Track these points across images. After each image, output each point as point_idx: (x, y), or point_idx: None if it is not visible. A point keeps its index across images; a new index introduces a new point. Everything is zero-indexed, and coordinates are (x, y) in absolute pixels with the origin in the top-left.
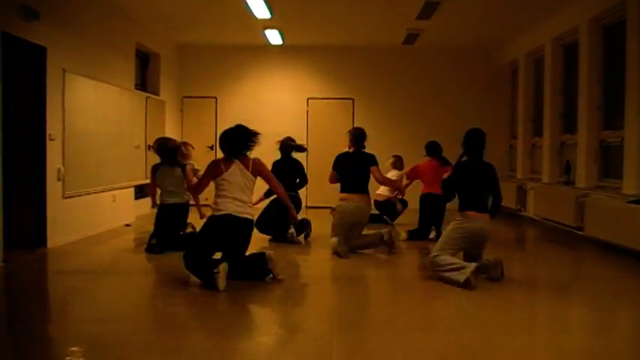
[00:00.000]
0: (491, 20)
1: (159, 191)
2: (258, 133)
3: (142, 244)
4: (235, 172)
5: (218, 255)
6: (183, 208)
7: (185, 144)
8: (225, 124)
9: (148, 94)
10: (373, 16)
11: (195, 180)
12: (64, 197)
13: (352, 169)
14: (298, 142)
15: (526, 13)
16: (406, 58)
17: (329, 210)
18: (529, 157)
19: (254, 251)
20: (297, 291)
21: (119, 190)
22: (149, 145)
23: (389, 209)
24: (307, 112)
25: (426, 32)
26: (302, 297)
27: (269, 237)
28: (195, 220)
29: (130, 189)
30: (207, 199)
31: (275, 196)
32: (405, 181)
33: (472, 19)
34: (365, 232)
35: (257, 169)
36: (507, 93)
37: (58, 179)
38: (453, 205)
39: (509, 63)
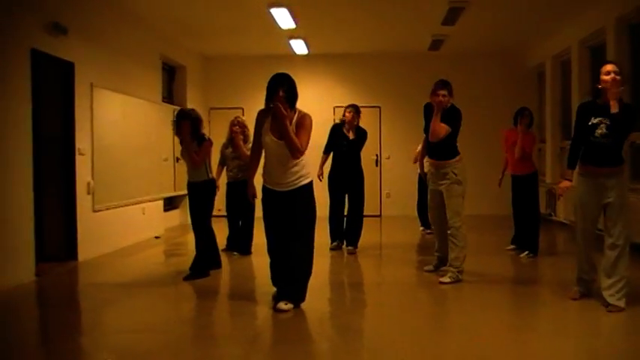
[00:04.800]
0: (515, 24)
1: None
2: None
3: (171, 256)
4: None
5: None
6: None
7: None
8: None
9: (175, 107)
10: (398, 23)
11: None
12: (94, 211)
13: None
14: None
15: (551, 16)
16: (432, 64)
17: None
18: (558, 161)
19: None
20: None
21: (148, 203)
22: (177, 158)
23: None
24: (334, 120)
25: (451, 38)
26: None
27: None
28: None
29: (159, 201)
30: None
31: None
32: None
33: (497, 23)
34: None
35: None
36: (534, 96)
37: (88, 193)
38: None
39: (535, 66)
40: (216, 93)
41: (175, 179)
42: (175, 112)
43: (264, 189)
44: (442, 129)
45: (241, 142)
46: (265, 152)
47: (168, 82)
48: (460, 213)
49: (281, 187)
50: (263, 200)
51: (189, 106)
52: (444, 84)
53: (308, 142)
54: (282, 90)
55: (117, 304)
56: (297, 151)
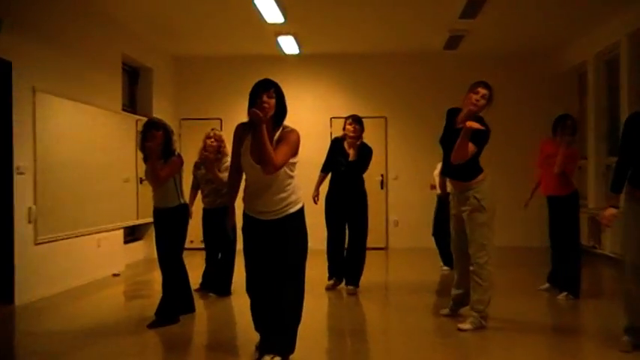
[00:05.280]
0: (550, 15)
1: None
2: None
3: (133, 298)
4: None
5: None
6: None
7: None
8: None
9: (138, 117)
10: (408, 17)
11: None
12: (36, 243)
13: None
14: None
15: (594, 4)
16: (448, 65)
17: None
18: (603, 182)
19: None
20: None
21: (105, 233)
22: (141, 179)
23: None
24: (331, 134)
25: (472, 34)
26: None
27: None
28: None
29: (118, 231)
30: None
31: None
32: None
33: (527, 15)
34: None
35: None
36: (573, 104)
37: (29, 221)
38: None
39: (574, 67)
40: (189, 101)
41: (139, 204)
42: (139, 123)
43: (245, 217)
44: (469, 150)
45: (213, 164)
46: (245, 175)
47: (130, 88)
48: (485, 246)
49: (265, 216)
50: (244, 230)
51: (156, 116)
52: (487, 84)
53: (287, 158)
54: (267, 95)
55: (63, 358)
56: (268, 164)
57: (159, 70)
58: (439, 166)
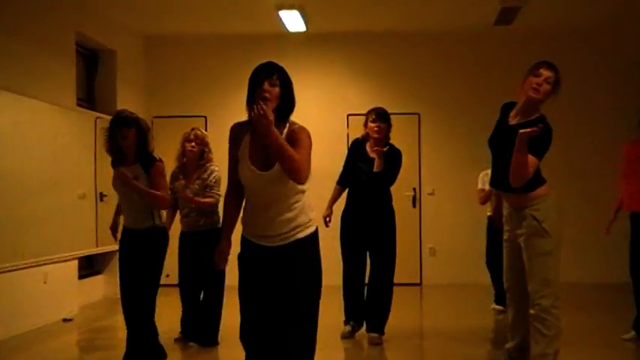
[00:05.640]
0: None
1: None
2: None
3: (90, 350)
4: None
5: None
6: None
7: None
8: (220, 156)
9: (98, 114)
10: None
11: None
12: None
13: None
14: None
15: None
16: (499, 45)
17: None
18: None
19: None
20: None
21: (53, 266)
22: (101, 194)
23: None
24: (348, 135)
25: (530, 5)
26: None
27: None
28: None
29: (71, 263)
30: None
31: None
32: None
33: None
34: None
35: None
36: None
37: None
38: None
39: None
40: (164, 94)
41: (98, 228)
42: (98, 123)
43: (244, 243)
44: (529, 165)
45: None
46: (245, 189)
47: (87, 76)
48: (550, 283)
49: (269, 242)
50: (241, 259)
51: None
52: (552, 65)
53: (310, 163)
54: (269, 83)
55: None
56: (299, 172)
57: (124, 53)
58: (487, 173)
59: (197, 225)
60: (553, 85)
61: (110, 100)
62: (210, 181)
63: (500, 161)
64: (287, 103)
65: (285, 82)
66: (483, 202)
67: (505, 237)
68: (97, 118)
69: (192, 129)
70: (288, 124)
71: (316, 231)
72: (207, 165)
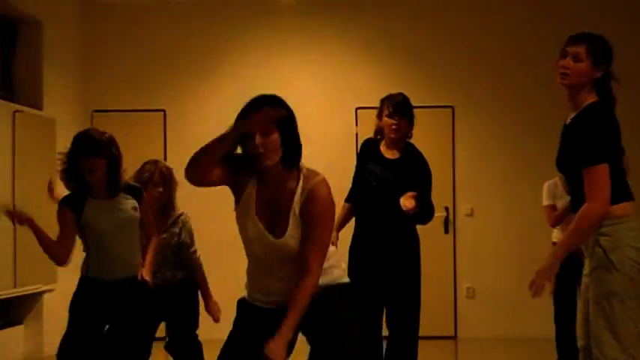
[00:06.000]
0: None
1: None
2: None
3: None
4: None
5: None
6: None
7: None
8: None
9: (16, 107)
10: None
11: None
12: None
13: None
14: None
15: None
16: (555, 16)
17: None
18: None
19: None
20: None
21: None
22: (25, 217)
23: None
24: (357, 134)
25: None
26: None
27: None
28: None
29: None
30: None
31: None
32: None
33: None
34: None
35: None
36: None
37: None
38: None
39: None
40: (108, 79)
41: (17, 262)
42: (17, 117)
43: (242, 305)
44: (600, 178)
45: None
46: (244, 246)
47: (2, 56)
48: (619, 335)
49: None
50: (238, 325)
51: (50, 106)
52: (578, 37)
53: (329, 242)
54: (262, 133)
55: None
56: (312, 275)
57: (53, 25)
58: (556, 182)
59: (174, 278)
60: (588, 58)
61: (33, 89)
62: (185, 238)
63: (573, 180)
64: (292, 146)
65: (286, 122)
66: (555, 224)
67: (584, 273)
68: (15, 111)
69: (155, 163)
70: (301, 175)
71: (349, 284)
72: (173, 212)
